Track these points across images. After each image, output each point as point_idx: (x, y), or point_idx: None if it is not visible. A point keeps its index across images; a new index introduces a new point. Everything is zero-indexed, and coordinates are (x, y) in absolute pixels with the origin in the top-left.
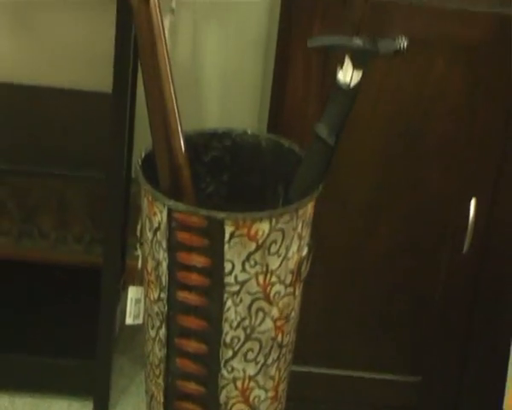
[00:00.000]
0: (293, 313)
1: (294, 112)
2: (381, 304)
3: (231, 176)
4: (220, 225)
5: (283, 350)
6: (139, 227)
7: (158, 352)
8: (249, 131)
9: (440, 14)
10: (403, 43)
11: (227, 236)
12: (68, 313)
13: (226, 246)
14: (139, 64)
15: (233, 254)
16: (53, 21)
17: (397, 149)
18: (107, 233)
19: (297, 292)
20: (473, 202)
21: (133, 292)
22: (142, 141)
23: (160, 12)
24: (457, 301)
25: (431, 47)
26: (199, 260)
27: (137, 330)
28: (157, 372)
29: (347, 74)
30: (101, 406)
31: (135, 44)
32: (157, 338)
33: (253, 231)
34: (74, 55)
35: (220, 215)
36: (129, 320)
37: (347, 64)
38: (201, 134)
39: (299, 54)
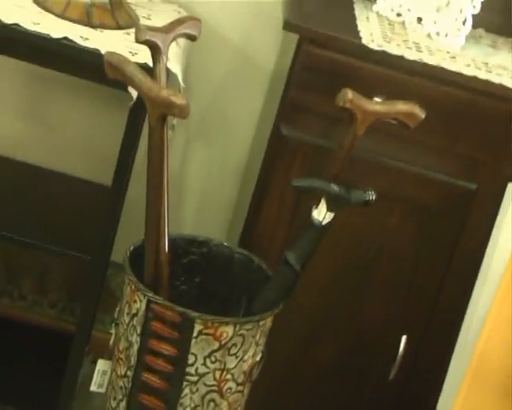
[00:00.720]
0: (239, 409)
1: (265, 234)
2: None
3: (203, 279)
4: (191, 323)
5: None
6: (117, 309)
7: None
8: (225, 243)
9: (402, 175)
10: (372, 196)
11: (195, 332)
12: (35, 369)
13: (193, 341)
14: (147, 172)
15: (198, 349)
16: (66, 115)
17: (346, 278)
18: (84, 307)
19: (245, 391)
20: (403, 339)
21: (101, 364)
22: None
23: (167, 130)
24: None
25: (391, 201)
26: (167, 349)
27: (91, 394)
28: None
29: (321, 214)
30: None
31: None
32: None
33: (218, 333)
34: (79, 147)
35: (193, 314)
36: (93, 388)
37: (322, 205)
38: (183, 238)
39: (276, 187)
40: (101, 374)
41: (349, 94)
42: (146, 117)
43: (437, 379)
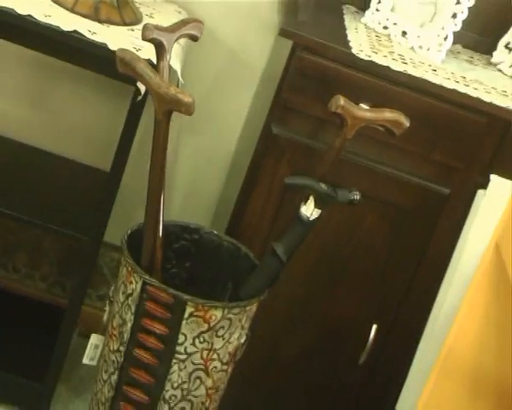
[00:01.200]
0: (222, 386)
1: (251, 225)
2: (286, 391)
3: (193, 264)
4: (183, 304)
5: None
6: (112, 288)
7: (106, 393)
8: (215, 232)
9: (380, 177)
10: (356, 196)
11: (187, 314)
12: (26, 339)
13: (184, 322)
14: (150, 161)
15: (188, 329)
16: (68, 101)
17: (324, 270)
18: (76, 283)
19: (229, 370)
20: (374, 328)
21: (94, 339)
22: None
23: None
24: (348, 400)
25: (369, 200)
26: (159, 328)
27: (76, 365)
28: (101, 408)
29: (309, 210)
30: None
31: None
32: (108, 381)
33: (208, 315)
34: (80, 133)
35: (185, 297)
36: (85, 361)
37: (311, 202)
38: (176, 225)
39: (264, 182)
40: (93, 348)
41: (341, 100)
42: (145, 107)
43: (403, 366)
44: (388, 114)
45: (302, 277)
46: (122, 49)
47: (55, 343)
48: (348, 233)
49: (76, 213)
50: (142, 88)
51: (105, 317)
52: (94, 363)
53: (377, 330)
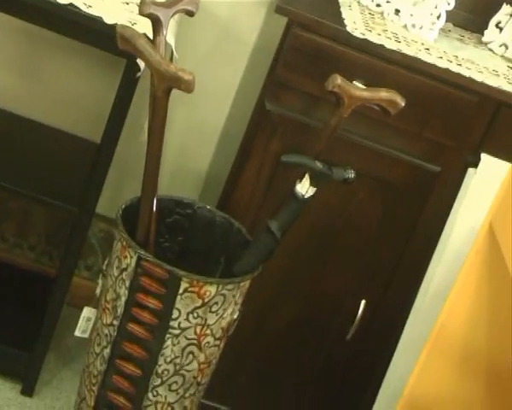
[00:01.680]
0: (214, 361)
1: (242, 200)
2: (275, 365)
3: (186, 238)
4: (178, 280)
5: (200, 388)
6: (106, 262)
7: (99, 366)
8: (208, 207)
9: (372, 154)
10: (351, 174)
11: (181, 289)
12: (15, 308)
13: (178, 297)
14: (148, 136)
15: (182, 305)
16: (60, 72)
17: (314, 244)
18: (67, 254)
19: (221, 345)
20: (362, 303)
21: (87, 312)
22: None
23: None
24: (334, 375)
25: (360, 177)
26: (153, 303)
27: (65, 334)
28: (93, 381)
29: (304, 188)
30: (27, 392)
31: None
32: (100, 354)
33: (202, 291)
34: (71, 104)
35: (180, 273)
36: (77, 333)
37: (306, 180)
38: (170, 199)
39: (256, 157)
40: (85, 320)
41: (338, 79)
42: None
43: (390, 343)
44: (384, 94)
45: (291, 250)
46: (122, 26)
47: (44, 313)
48: (339, 209)
49: (66, 185)
50: (142, 64)
51: (98, 290)
52: (86, 336)
53: (366, 306)
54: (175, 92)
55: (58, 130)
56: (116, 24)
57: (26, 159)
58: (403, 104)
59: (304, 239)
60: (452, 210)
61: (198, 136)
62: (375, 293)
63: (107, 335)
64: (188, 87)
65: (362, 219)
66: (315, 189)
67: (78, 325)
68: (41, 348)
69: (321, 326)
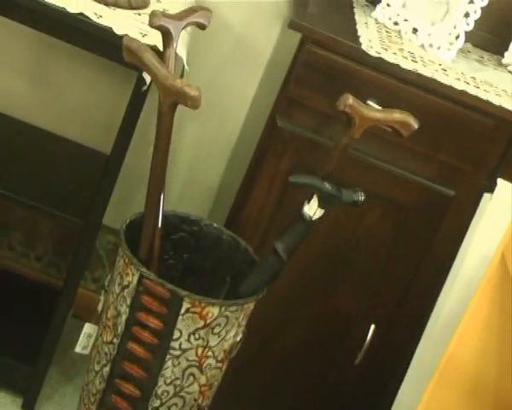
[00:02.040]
0: (216, 383)
1: (250, 219)
2: (279, 389)
3: (191, 256)
4: (180, 300)
5: None
6: (108, 278)
7: (98, 384)
8: (215, 224)
9: (385, 175)
10: (361, 196)
11: (183, 310)
12: (19, 319)
13: (180, 317)
14: (153, 151)
15: (183, 325)
16: (72, 82)
17: (323, 266)
18: (73, 267)
19: (224, 367)
20: (372, 328)
21: (88, 328)
22: None
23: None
24: (341, 400)
25: (372, 198)
26: (154, 323)
27: (69, 347)
28: (92, 400)
29: (312, 209)
30: (28, 406)
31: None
32: (100, 373)
33: (204, 312)
34: (82, 114)
35: (182, 293)
36: (78, 349)
37: (314, 201)
38: (176, 215)
39: (266, 175)
40: (86, 337)
41: (350, 99)
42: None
43: (399, 370)
44: (397, 115)
45: (300, 271)
46: (129, 38)
47: (49, 325)
48: (349, 229)
49: (74, 196)
50: (148, 78)
51: (99, 306)
52: (86, 352)
53: (375, 331)
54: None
55: (67, 139)
56: (126, 35)
57: (34, 168)
58: (416, 126)
59: (313, 260)
60: (466, 236)
61: (210, 150)
62: (385, 317)
63: (106, 353)
64: (194, 103)
65: (373, 241)
66: (323, 210)
67: (79, 341)
68: (43, 361)
69: (329, 350)
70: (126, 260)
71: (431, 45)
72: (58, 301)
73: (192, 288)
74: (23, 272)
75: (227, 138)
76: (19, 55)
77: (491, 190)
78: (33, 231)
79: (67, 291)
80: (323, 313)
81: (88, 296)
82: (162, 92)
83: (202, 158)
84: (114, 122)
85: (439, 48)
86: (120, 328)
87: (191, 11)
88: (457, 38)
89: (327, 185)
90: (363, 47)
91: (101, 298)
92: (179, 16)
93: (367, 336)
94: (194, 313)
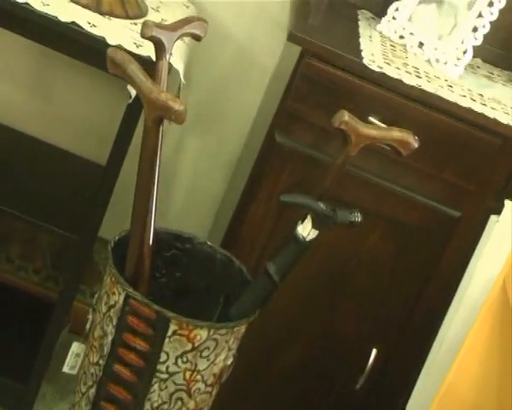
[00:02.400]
0: (206, 408)
1: (247, 238)
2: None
3: (184, 275)
4: (166, 322)
5: None
6: (96, 296)
7: (84, 406)
8: (209, 243)
9: (386, 193)
10: (357, 217)
11: (170, 332)
12: (14, 333)
13: (167, 340)
14: (138, 168)
15: (170, 348)
16: (68, 93)
17: (323, 287)
18: (67, 281)
19: (214, 392)
20: (373, 352)
21: (76, 347)
22: None
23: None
24: None
25: (373, 217)
26: (140, 344)
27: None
28: None
29: (306, 230)
30: None
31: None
32: (86, 394)
33: (192, 335)
34: (78, 125)
35: (169, 314)
36: (65, 369)
37: (308, 222)
38: (168, 233)
39: (264, 193)
40: (74, 356)
41: (345, 116)
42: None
43: (402, 394)
44: (396, 134)
45: (298, 293)
46: (113, 49)
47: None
48: (350, 250)
49: (70, 209)
50: (133, 91)
51: (87, 325)
52: (74, 372)
53: (377, 355)
54: (190, 119)
55: (64, 150)
56: (115, 46)
57: (30, 180)
58: (416, 145)
59: (312, 281)
60: (472, 258)
61: (211, 166)
62: (388, 341)
63: (92, 374)
64: (178, 117)
65: (374, 262)
66: (317, 231)
67: (67, 360)
68: (35, 379)
69: (328, 374)
70: (113, 279)
71: (437, 60)
72: (52, 316)
73: (184, 308)
74: (21, 285)
75: (229, 154)
76: (16, 65)
77: (498, 211)
78: (32, 243)
79: (61, 306)
80: (323, 335)
81: (86, 311)
82: (146, 106)
83: (203, 174)
84: (112, 133)
85: (445, 63)
86: (106, 349)
87: (186, 21)
88: (465, 52)
89: (321, 205)
90: (365, 61)
91: (89, 317)
92: (173, 27)
93: (369, 359)
94: (181, 335)
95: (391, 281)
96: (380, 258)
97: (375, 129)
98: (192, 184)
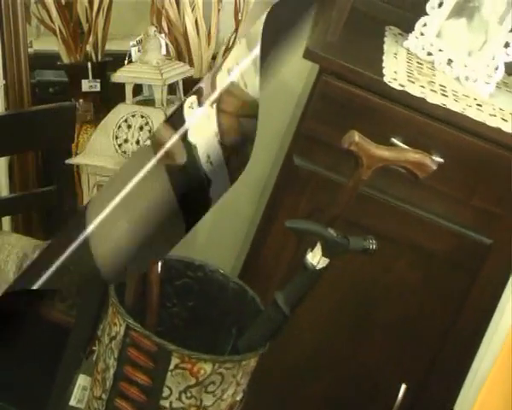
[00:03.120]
0: None
1: (267, 265)
2: None
3: (196, 304)
4: (168, 355)
5: None
6: (101, 326)
7: None
8: (221, 271)
9: (412, 219)
10: (372, 244)
11: (172, 365)
12: (35, 363)
13: (169, 374)
14: None
15: (173, 382)
16: None
17: (347, 317)
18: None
19: None
20: (402, 388)
21: (82, 380)
22: None
23: None
24: None
25: (399, 244)
26: (142, 378)
27: None
28: None
29: (315, 258)
30: None
31: None
32: None
33: (195, 368)
34: None
35: (170, 347)
36: (73, 402)
37: (318, 249)
38: (179, 260)
39: (284, 218)
40: (81, 389)
41: (355, 136)
42: None
43: None
44: (411, 155)
45: (321, 324)
46: None
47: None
48: (376, 278)
49: None
50: None
51: (94, 357)
52: (81, 406)
53: (406, 391)
54: None
55: None
56: None
57: None
58: (434, 167)
59: (335, 312)
60: (506, 288)
61: (238, 193)
62: (417, 377)
63: (96, 409)
64: None
65: (401, 291)
66: (327, 260)
67: (74, 393)
68: None
69: (355, 409)
70: (114, 309)
71: (467, 78)
72: (67, 347)
73: (197, 340)
74: (46, 313)
75: (256, 180)
76: None
77: None
78: None
79: (76, 335)
80: (348, 371)
81: None
82: None
83: (231, 198)
84: None
85: (475, 81)
86: (108, 383)
87: None
88: (496, 69)
89: (330, 232)
90: (386, 79)
91: (95, 348)
92: None
93: (397, 396)
94: (184, 369)
95: (419, 312)
96: (407, 287)
97: (389, 150)
98: (218, 215)
